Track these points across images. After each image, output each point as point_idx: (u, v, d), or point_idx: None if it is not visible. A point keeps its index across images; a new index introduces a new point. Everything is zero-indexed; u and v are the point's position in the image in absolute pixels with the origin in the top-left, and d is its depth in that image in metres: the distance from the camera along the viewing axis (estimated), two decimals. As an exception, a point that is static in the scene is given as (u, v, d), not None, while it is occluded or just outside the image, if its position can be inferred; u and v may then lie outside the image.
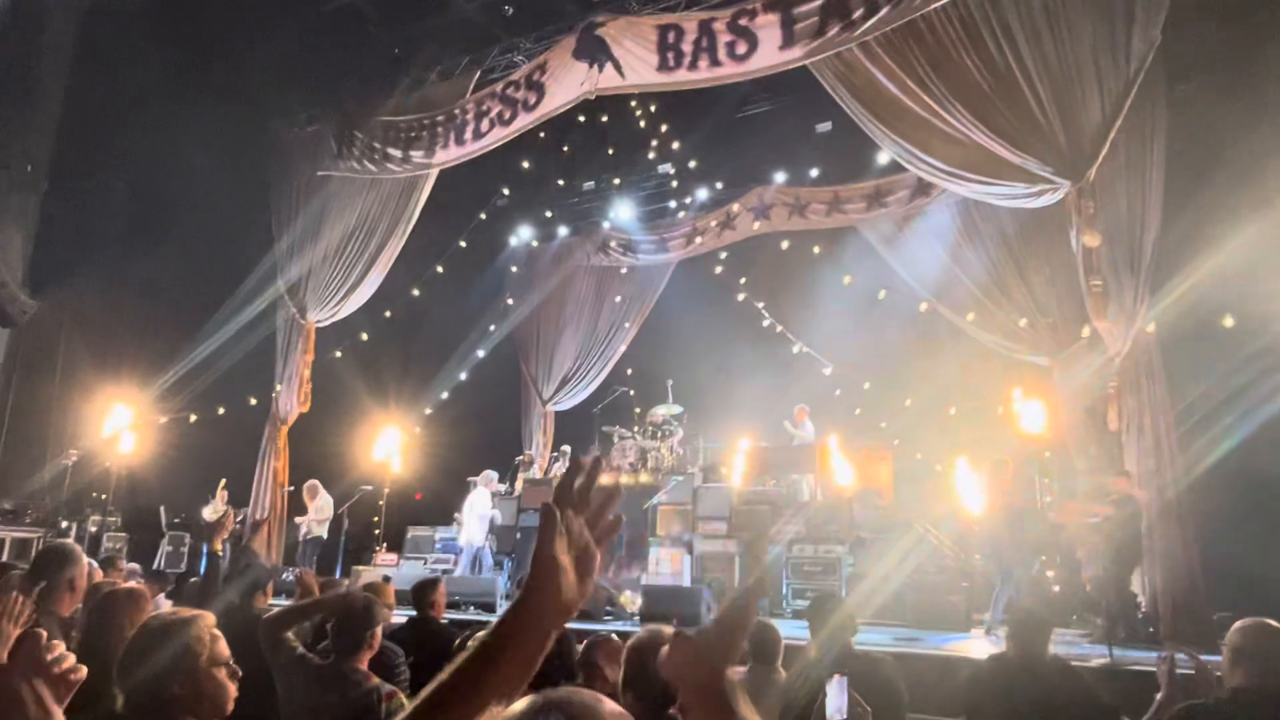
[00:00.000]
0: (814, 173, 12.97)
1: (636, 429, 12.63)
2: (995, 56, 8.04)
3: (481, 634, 1.03)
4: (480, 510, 11.20)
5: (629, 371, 14.90)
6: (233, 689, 2.00)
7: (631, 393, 13.58)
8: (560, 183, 15.13)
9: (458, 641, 3.98)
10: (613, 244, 15.38)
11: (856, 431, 11.87)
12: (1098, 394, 8.78)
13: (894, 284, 12.23)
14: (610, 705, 0.95)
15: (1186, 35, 8.05)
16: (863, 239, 12.51)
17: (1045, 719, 3.55)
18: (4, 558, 9.87)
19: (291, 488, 12.34)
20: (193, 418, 12.15)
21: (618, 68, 9.84)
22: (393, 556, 11.79)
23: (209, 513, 11.53)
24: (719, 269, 14.27)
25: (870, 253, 12.39)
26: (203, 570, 5.48)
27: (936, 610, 8.47)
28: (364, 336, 13.29)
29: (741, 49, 9.00)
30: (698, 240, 14.28)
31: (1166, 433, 8.01)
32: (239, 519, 11.56)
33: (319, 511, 11.71)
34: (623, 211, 15.00)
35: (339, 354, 13.10)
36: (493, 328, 15.35)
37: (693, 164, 13.54)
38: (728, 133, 13.34)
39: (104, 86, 11.17)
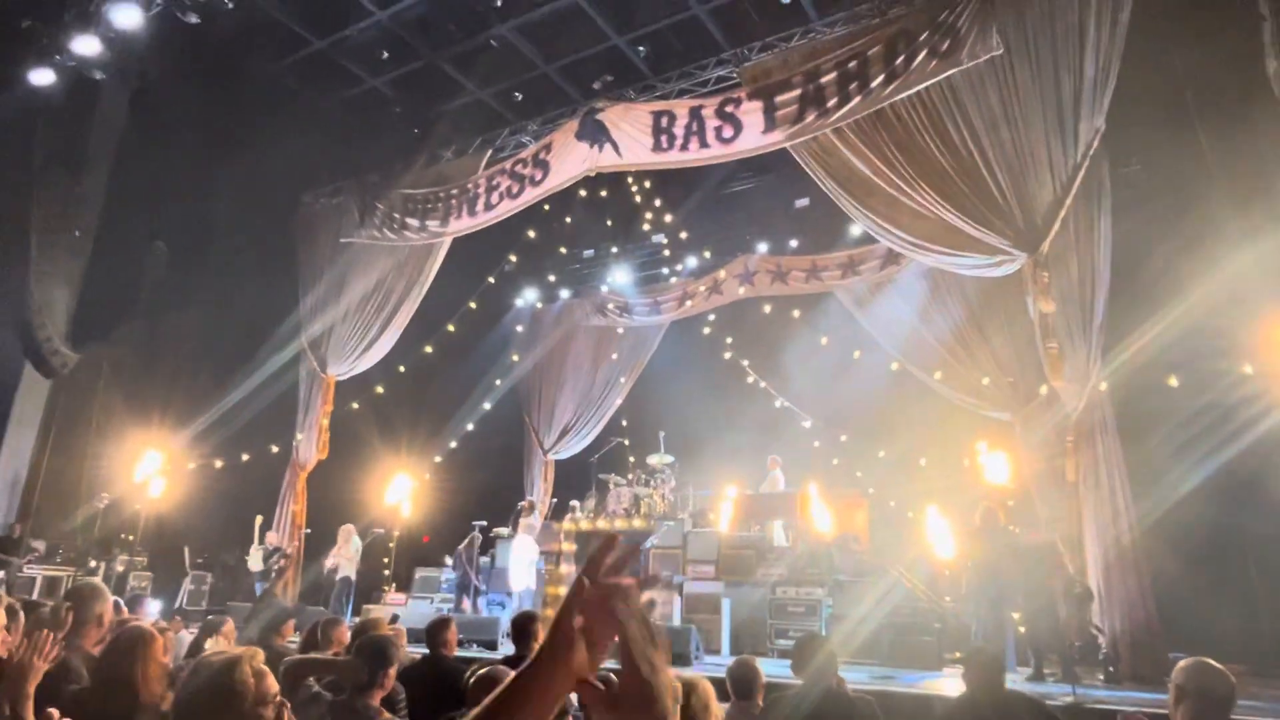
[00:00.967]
0: (793, 243, 13.22)
1: (631, 477, 12.55)
2: (957, 142, 8.26)
3: (489, 699, 0.97)
4: (530, 556, 10.66)
5: (624, 423, 14.88)
6: None
7: (626, 443, 13.54)
8: (562, 250, 15.38)
9: (466, 675, 3.96)
10: (610, 306, 15.55)
11: (834, 480, 11.84)
12: (1056, 447, 8.78)
13: (868, 345, 12.34)
14: None
15: (1127, 122, 8.31)
16: (839, 303, 12.68)
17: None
18: (35, 595, 9.71)
19: (309, 530, 12.22)
20: (219, 463, 12.09)
21: (616, 148, 10.09)
22: (401, 596, 11.64)
23: (257, 556, 11.45)
24: (707, 330, 14.43)
25: (846, 316, 12.54)
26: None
27: (911, 650, 8.32)
28: (380, 389, 13.29)
29: (728, 133, 9.27)
30: (688, 303, 14.46)
31: (1121, 484, 8.07)
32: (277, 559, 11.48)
33: (351, 554, 11.53)
34: (619, 276, 15.28)
35: (356, 405, 13.09)
36: (498, 382, 15.37)
37: (683, 234, 13.78)
38: (715, 207, 13.71)
39: (148, 159, 11.35)
